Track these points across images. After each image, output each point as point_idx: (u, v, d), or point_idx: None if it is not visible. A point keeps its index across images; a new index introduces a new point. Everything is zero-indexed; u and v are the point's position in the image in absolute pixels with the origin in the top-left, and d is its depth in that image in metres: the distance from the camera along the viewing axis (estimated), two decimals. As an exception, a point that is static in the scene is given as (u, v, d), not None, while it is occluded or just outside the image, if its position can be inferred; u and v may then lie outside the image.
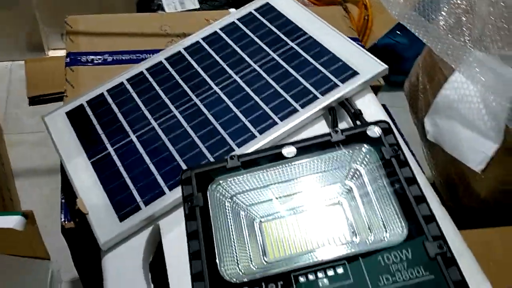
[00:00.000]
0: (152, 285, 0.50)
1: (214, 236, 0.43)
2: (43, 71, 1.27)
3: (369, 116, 0.57)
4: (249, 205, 0.49)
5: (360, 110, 0.57)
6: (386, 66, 0.60)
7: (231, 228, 0.46)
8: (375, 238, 0.44)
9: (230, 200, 0.48)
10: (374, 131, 0.48)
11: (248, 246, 0.46)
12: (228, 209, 0.48)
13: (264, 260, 0.46)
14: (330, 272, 0.40)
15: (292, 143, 0.49)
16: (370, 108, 0.59)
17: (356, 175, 0.48)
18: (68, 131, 0.62)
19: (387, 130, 0.48)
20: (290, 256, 0.46)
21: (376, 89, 0.87)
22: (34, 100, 1.23)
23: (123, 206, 0.52)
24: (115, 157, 0.57)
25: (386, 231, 0.43)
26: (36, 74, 1.26)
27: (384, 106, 0.91)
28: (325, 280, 0.39)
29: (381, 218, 0.44)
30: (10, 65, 1.29)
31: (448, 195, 0.77)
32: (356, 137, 0.48)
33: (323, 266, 0.40)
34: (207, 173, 0.48)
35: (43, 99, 1.23)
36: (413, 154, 0.82)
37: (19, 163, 1.12)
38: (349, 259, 0.40)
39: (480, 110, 0.63)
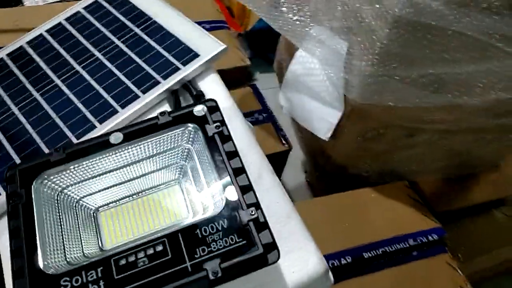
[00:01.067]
0: (-9, 290, 0.48)
1: (38, 232, 0.43)
2: None
3: (211, 96, 0.58)
4: (82, 196, 0.49)
5: (201, 91, 0.59)
6: (224, 46, 0.61)
7: (62, 222, 0.46)
8: (202, 213, 0.45)
9: (60, 194, 0.47)
10: (199, 110, 0.49)
11: (82, 237, 0.46)
12: (59, 203, 0.47)
13: (100, 249, 0.46)
14: (150, 251, 0.41)
15: (120, 130, 0.49)
16: (213, 88, 0.60)
17: (186, 154, 0.49)
18: None
19: (213, 108, 0.49)
20: (127, 242, 0.46)
21: (243, 69, 0.89)
22: None
23: (-46, 213, 0.50)
24: None
25: (211, 205, 0.45)
26: None
27: (253, 85, 0.94)
28: (145, 259, 0.40)
29: (208, 193, 0.46)
30: None
31: (313, 166, 0.81)
32: (184, 117, 0.49)
33: (144, 246, 0.41)
34: (32, 168, 0.46)
35: None
36: (280, 129, 0.85)
37: None
38: (169, 237, 0.41)
39: (323, 82, 0.67)
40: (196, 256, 0.40)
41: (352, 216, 0.69)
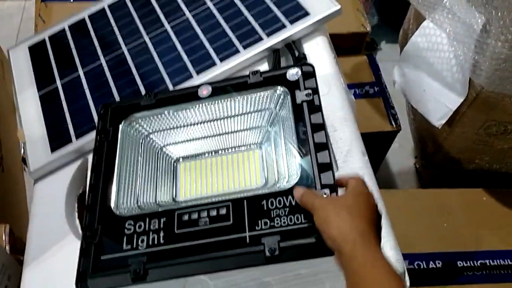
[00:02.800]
0: (76, 214, 0.52)
1: (116, 172, 0.44)
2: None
3: (314, 60, 0.54)
4: (166, 144, 0.49)
5: (304, 54, 0.54)
6: (339, 7, 0.56)
7: (142, 166, 0.46)
8: (274, 184, 0.43)
9: (146, 138, 0.48)
10: (292, 74, 0.45)
11: (158, 185, 0.47)
12: (143, 147, 0.48)
13: (173, 199, 0.46)
14: (213, 213, 0.39)
15: (210, 83, 0.47)
16: (318, 51, 0.55)
17: (272, 119, 0.47)
18: (26, 64, 0.64)
19: (308, 74, 0.45)
20: (197, 197, 0.45)
21: (361, 36, 0.82)
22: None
23: (57, 138, 0.54)
24: (61, 92, 0.58)
25: (284, 178, 0.42)
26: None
27: (370, 55, 0.86)
28: (206, 220, 0.39)
29: (284, 164, 0.43)
30: (24, 4, 1.32)
31: (420, 153, 0.73)
32: (275, 79, 0.46)
33: (208, 206, 0.40)
34: (123, 109, 0.47)
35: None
36: (391, 107, 0.78)
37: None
38: (234, 202, 0.39)
39: (448, 60, 0.58)
40: (257, 228, 0.37)
41: (454, 217, 0.61)
